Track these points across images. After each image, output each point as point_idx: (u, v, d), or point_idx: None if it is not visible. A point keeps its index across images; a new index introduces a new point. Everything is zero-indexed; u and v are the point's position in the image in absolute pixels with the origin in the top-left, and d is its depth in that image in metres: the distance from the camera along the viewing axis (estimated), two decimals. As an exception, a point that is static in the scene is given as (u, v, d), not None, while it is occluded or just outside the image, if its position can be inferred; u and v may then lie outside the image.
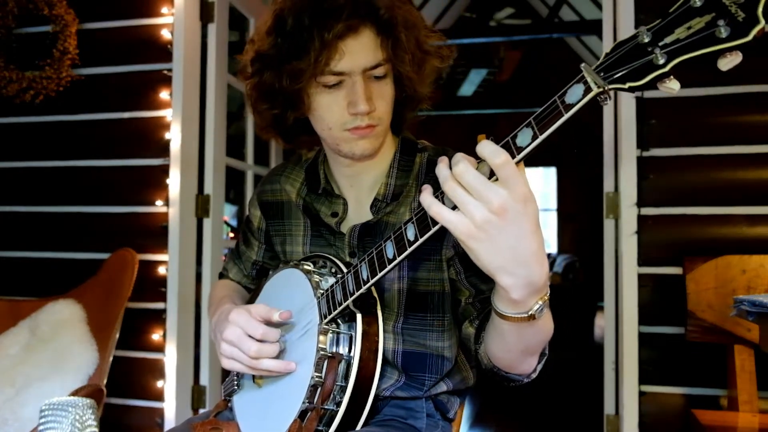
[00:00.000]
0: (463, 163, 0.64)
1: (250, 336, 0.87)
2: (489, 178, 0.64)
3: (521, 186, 0.62)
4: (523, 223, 0.63)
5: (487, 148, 0.63)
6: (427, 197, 0.67)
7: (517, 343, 0.80)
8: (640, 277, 1.99)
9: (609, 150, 2.15)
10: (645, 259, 1.99)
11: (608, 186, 2.14)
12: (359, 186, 1.05)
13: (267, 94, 0.96)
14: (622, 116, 2.03)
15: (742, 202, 1.93)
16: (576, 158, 8.27)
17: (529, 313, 0.71)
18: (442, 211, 0.65)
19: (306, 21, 0.87)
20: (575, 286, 6.70)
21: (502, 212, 0.62)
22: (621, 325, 2.02)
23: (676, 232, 1.98)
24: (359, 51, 0.89)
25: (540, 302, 0.71)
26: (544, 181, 9.30)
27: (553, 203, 9.21)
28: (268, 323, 0.89)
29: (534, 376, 0.89)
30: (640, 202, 2.00)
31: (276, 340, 0.89)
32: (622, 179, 2.02)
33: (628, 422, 1.97)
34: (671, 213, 1.99)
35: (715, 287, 1.71)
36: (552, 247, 9.16)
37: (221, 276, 1.28)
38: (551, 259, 7.94)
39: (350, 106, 0.91)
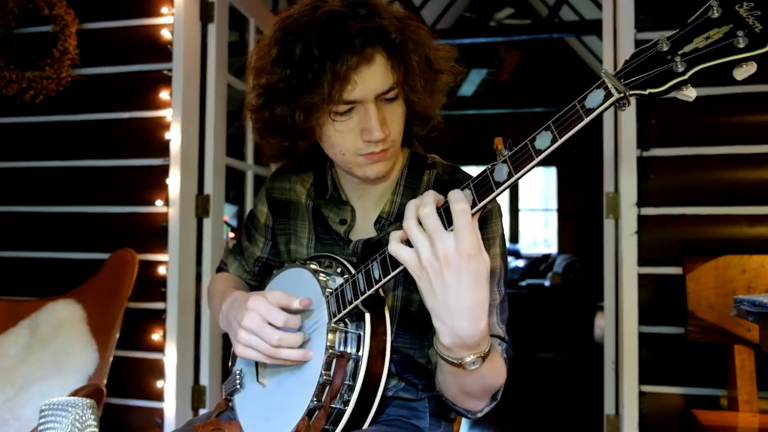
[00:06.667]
0: (430, 206, 0.70)
1: (270, 324, 0.85)
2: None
3: (468, 241, 0.67)
4: (461, 277, 0.68)
5: (455, 193, 0.69)
6: (393, 233, 0.74)
7: (454, 383, 0.84)
8: (640, 277, 1.99)
9: (609, 150, 2.15)
10: (645, 259, 1.99)
11: (608, 186, 2.14)
12: (367, 197, 1.04)
13: (278, 128, 0.93)
14: (622, 116, 2.03)
15: (742, 202, 1.93)
16: (576, 158, 8.28)
17: (460, 362, 0.75)
18: (397, 249, 0.72)
19: (315, 51, 0.83)
20: (575, 286, 6.69)
21: (444, 260, 0.68)
22: (621, 325, 2.02)
23: (676, 232, 1.98)
24: (372, 79, 0.86)
25: (473, 356, 0.75)
26: (544, 181, 9.31)
27: (553, 203, 9.22)
28: (286, 311, 0.87)
29: (479, 415, 0.91)
30: (640, 202, 2.00)
31: (298, 328, 0.88)
32: (622, 179, 2.02)
33: (628, 422, 1.97)
34: (671, 213, 1.99)
35: (715, 287, 1.71)
36: (552, 247, 9.17)
37: (219, 270, 1.25)
38: (551, 259, 7.94)
39: (364, 134, 0.88)
